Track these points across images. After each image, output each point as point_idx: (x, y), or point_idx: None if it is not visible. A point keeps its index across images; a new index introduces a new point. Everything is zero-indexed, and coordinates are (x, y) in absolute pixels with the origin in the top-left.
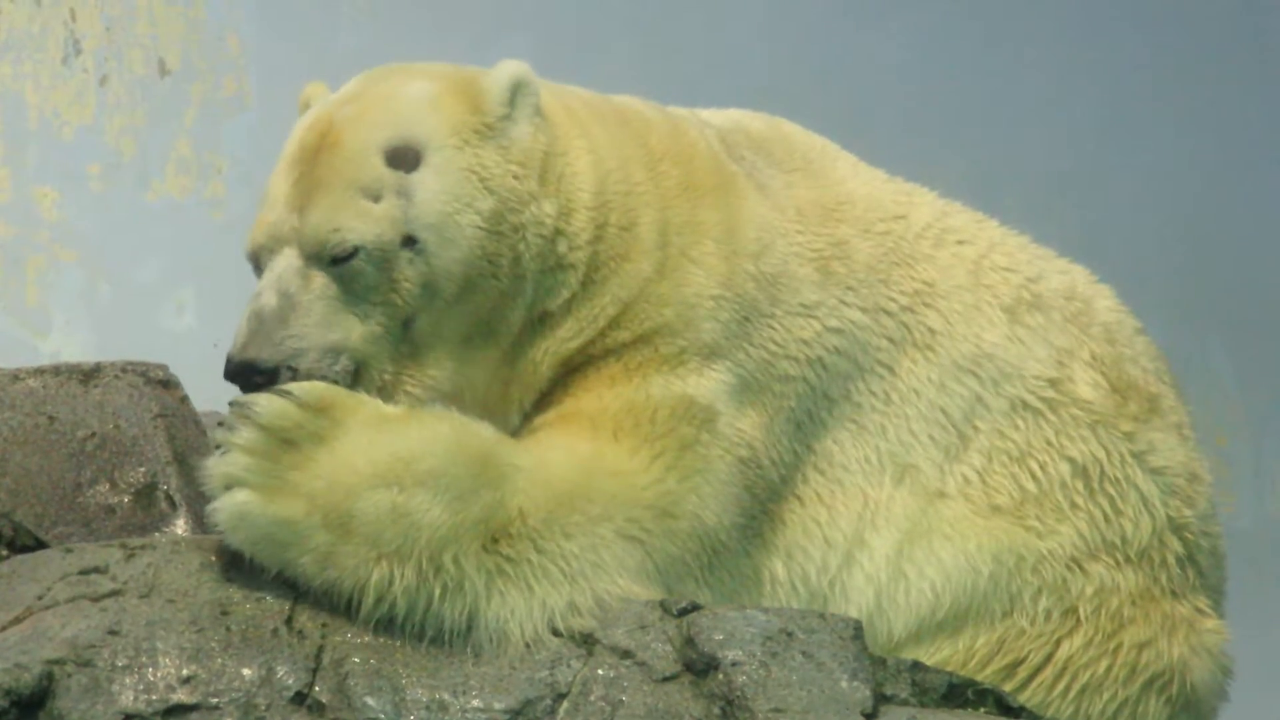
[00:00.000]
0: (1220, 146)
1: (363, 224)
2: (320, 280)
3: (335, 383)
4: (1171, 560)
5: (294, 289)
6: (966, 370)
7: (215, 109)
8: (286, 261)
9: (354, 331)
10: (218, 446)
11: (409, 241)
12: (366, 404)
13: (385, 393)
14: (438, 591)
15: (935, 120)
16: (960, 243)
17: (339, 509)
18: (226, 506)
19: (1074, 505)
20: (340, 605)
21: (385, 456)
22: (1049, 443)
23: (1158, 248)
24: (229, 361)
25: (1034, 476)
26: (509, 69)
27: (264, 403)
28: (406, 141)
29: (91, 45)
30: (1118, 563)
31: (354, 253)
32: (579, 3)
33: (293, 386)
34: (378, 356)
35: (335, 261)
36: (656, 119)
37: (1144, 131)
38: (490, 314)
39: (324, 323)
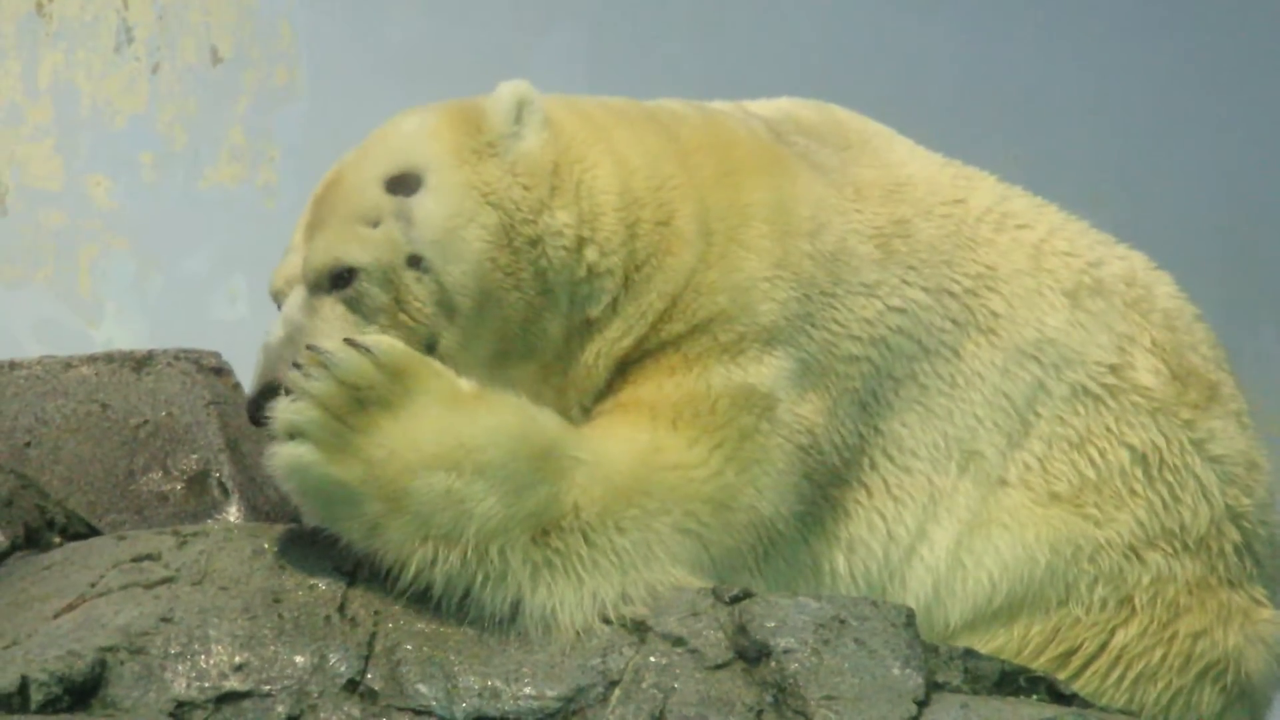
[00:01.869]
0: (1272, 134)
1: (360, 248)
2: (327, 307)
3: None
4: (1229, 549)
5: (301, 318)
6: (1029, 355)
7: (267, 97)
8: (295, 298)
9: None
10: (288, 391)
11: (414, 261)
12: (442, 377)
13: None
14: (479, 579)
15: (986, 109)
16: (1020, 227)
17: (395, 483)
18: (285, 455)
19: (1133, 493)
20: (381, 571)
21: (449, 439)
22: (1109, 429)
23: (1210, 235)
24: (249, 403)
25: (1093, 463)
26: (509, 88)
27: (342, 355)
28: (405, 169)
29: (144, 33)
30: (1175, 551)
31: (352, 276)
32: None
33: (370, 342)
34: None
35: (336, 287)
36: (689, 114)
37: (1195, 118)
38: (522, 328)
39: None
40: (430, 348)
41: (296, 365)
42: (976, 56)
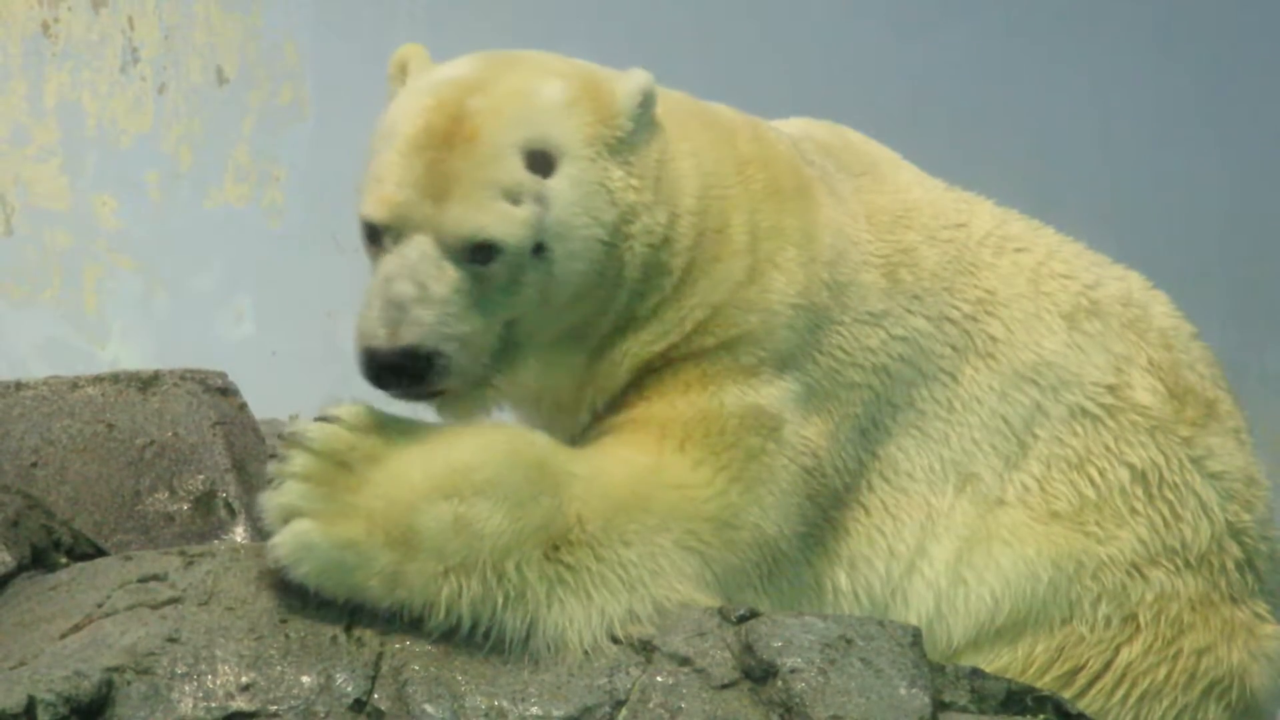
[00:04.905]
0: (1278, 155)
1: (506, 227)
2: (453, 274)
3: (472, 376)
4: (1231, 565)
5: (429, 279)
6: (1027, 378)
7: (273, 117)
8: (420, 250)
9: (477, 328)
10: (270, 480)
11: (538, 249)
12: (415, 422)
13: (477, 390)
14: (501, 600)
15: (990, 129)
16: (1019, 250)
17: (401, 525)
18: (288, 538)
19: (1133, 511)
20: (406, 621)
21: (441, 468)
22: (1108, 449)
23: (1215, 254)
24: (375, 353)
25: (1093, 483)
26: (638, 81)
27: (314, 430)
28: (543, 145)
29: (149, 54)
30: (1177, 568)
31: (493, 254)
32: (635, 10)
33: (339, 411)
34: (485, 355)
35: (474, 260)
36: (740, 122)
37: (1201, 139)
38: (586, 319)
39: (460, 316)
40: (508, 327)
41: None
42: (982, 77)
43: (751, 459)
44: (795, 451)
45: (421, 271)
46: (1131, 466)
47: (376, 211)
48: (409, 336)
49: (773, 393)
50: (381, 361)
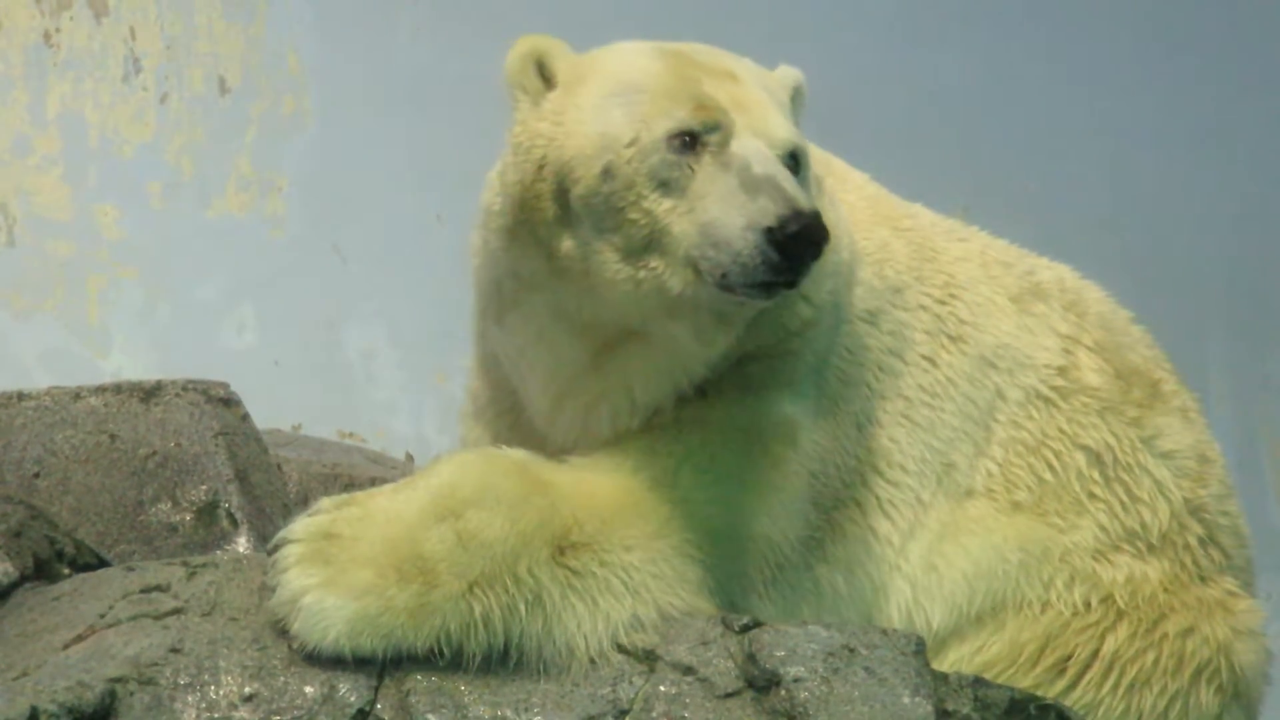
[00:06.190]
0: None
1: (805, 143)
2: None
3: None
4: (1193, 542)
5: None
6: (989, 362)
7: (275, 127)
8: (758, 146)
9: None
10: (270, 589)
11: None
12: (386, 486)
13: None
14: (524, 608)
15: (994, 139)
16: (961, 240)
17: (408, 558)
18: (302, 616)
19: (1092, 495)
20: (447, 656)
21: (425, 497)
22: (1062, 431)
23: (1218, 262)
24: (799, 214)
25: (1050, 466)
26: (794, 75)
27: (296, 524)
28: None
29: (151, 63)
30: (1141, 552)
31: (799, 168)
32: (634, 20)
33: (315, 505)
34: None
35: (788, 167)
36: None
37: (1205, 146)
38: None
39: None
40: None
41: None
42: (987, 87)
43: (771, 468)
44: (807, 457)
45: (776, 165)
46: (1086, 449)
47: (703, 114)
48: (801, 199)
49: (800, 399)
50: (807, 221)
